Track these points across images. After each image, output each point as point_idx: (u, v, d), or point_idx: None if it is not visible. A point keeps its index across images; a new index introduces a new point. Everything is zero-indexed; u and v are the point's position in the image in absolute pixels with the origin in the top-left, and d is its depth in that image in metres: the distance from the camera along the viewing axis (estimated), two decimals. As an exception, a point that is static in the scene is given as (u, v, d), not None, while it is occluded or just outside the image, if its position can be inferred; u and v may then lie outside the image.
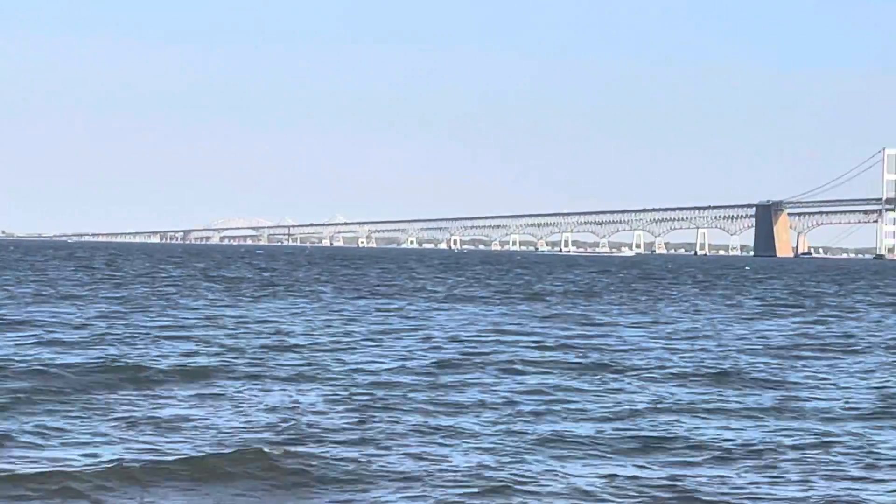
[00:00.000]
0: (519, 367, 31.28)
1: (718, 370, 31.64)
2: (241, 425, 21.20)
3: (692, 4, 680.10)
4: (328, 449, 19.13)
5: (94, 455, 18.27)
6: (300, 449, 18.89)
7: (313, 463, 17.87)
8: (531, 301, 66.85)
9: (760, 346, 39.77)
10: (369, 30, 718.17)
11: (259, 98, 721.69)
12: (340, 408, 23.34)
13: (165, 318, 45.23)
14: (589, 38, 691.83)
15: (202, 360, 30.50)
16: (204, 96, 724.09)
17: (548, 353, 35.21)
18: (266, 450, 18.46)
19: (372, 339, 38.46)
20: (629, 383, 28.51)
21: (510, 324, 47.53)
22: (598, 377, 29.59)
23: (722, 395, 26.82)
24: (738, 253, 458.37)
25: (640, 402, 25.40)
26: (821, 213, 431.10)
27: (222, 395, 24.91)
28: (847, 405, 25.65)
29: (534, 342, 38.87)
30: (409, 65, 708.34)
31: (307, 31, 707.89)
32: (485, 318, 50.44)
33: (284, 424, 21.28)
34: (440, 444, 19.88)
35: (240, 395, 24.95)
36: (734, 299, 76.20)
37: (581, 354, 35.15)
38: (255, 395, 24.87)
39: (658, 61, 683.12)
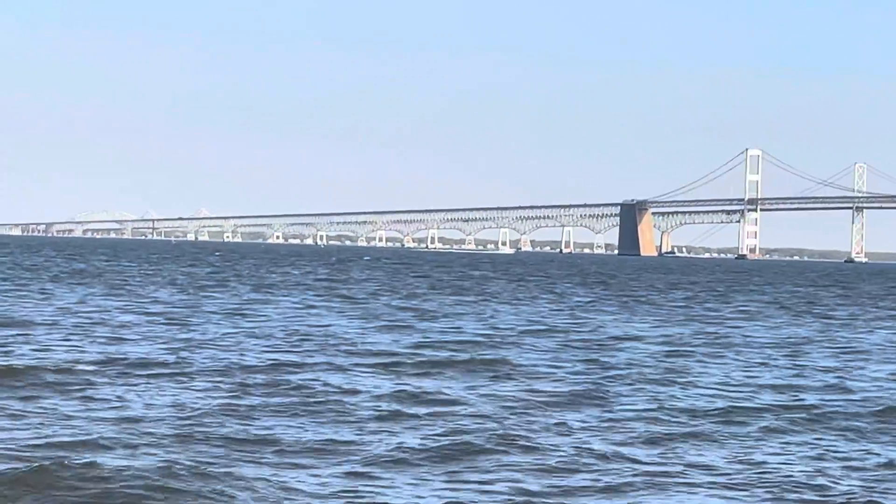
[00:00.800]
0: (393, 360, 30.90)
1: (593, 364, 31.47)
2: (50, 433, 19.55)
3: (557, 5, 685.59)
4: (142, 456, 17.88)
5: None
6: (106, 459, 17.44)
7: (124, 473, 16.47)
8: (423, 298, 66.44)
9: (639, 346, 39.73)
10: (238, 30, 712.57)
11: (122, 90, 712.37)
12: (174, 411, 22.01)
13: None
14: (450, 37, 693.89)
15: (17, 360, 28.33)
16: (68, 86, 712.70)
17: (430, 352, 34.80)
18: (66, 461, 16.99)
19: (234, 336, 37.71)
20: (493, 383, 28.11)
21: (393, 320, 47.05)
22: (472, 375, 29.21)
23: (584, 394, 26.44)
24: (602, 251, 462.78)
25: (512, 397, 25.02)
26: (684, 212, 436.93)
27: (34, 397, 23.17)
28: (706, 404, 25.42)
29: (421, 340, 38.43)
30: (273, 63, 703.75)
31: (171, 28, 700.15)
32: (357, 314, 49.89)
33: (103, 430, 19.77)
34: (266, 455, 18.52)
35: (55, 398, 23.22)
36: (623, 299, 76.47)
37: (466, 351, 34.78)
38: (62, 400, 22.98)
39: (523, 61, 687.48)
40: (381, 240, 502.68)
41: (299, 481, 16.93)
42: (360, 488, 16.74)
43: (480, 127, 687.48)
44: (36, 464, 16.77)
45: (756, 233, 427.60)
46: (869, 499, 17.12)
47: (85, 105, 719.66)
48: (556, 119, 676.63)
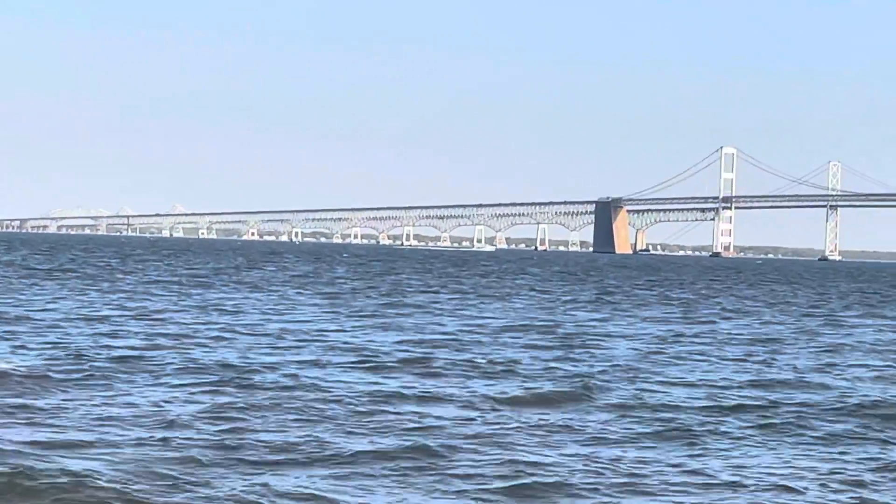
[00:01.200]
0: (374, 358, 30.65)
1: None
2: (26, 433, 18.84)
3: (534, 4, 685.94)
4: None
5: None
6: (84, 460, 17.11)
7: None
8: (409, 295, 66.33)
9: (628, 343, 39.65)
10: (237, 29, 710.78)
11: (97, 85, 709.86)
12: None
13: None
14: (450, 37, 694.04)
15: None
16: (39, 81, 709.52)
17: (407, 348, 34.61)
18: (43, 463, 16.59)
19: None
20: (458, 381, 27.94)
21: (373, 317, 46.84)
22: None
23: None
24: (577, 249, 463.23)
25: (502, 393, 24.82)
26: (659, 210, 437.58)
27: (12, 396, 22.48)
28: (689, 402, 25.26)
29: (402, 337, 38.24)
30: (272, 62, 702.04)
31: (159, 26, 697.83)
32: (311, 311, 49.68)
33: (81, 431, 19.19)
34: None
35: (32, 396, 22.54)
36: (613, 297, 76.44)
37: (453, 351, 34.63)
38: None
39: (499, 60, 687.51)
40: (356, 237, 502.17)
41: (278, 481, 16.71)
42: (339, 488, 16.55)
43: (456, 123, 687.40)
44: (11, 466, 16.42)
45: (730, 231, 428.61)
46: (858, 498, 17.05)
47: (61, 101, 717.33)
48: (533, 115, 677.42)
